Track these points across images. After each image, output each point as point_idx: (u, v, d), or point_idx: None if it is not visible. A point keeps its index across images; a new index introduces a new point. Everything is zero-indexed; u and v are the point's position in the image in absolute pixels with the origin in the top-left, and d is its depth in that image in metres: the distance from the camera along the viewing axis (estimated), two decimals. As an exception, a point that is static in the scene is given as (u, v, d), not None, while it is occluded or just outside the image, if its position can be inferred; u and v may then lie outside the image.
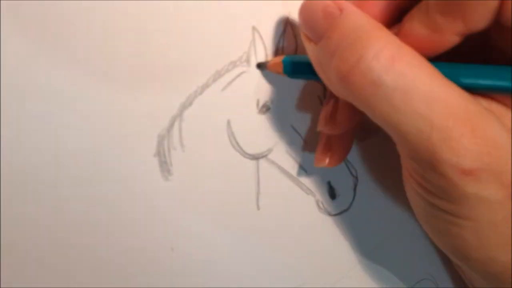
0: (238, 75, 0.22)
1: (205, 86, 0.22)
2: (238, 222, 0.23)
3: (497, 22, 0.18)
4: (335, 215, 0.26)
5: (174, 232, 0.22)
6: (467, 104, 0.17)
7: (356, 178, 0.26)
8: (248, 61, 0.22)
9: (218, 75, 0.22)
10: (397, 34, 0.19)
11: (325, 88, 0.24)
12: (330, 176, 0.25)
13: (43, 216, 0.20)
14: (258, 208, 0.24)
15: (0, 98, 0.18)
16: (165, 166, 0.22)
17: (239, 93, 0.22)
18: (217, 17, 0.21)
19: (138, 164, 0.21)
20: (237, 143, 0.23)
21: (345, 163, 0.26)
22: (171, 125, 0.22)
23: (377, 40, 0.17)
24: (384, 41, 0.17)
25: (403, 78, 0.17)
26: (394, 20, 0.20)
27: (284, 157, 0.24)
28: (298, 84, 0.24)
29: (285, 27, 0.23)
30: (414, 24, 0.19)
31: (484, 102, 0.20)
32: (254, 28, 0.22)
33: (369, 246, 0.27)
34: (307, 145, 0.24)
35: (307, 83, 0.24)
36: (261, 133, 0.23)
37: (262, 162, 0.24)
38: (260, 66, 0.23)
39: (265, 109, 0.23)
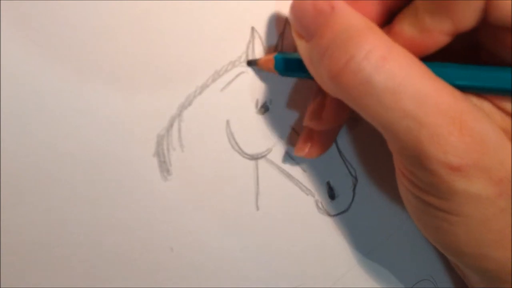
0: (237, 75, 0.22)
1: (205, 86, 0.22)
2: (237, 222, 0.24)
3: (485, 21, 0.18)
4: (334, 215, 0.26)
5: (174, 232, 0.22)
6: (457, 102, 0.18)
7: (356, 178, 0.26)
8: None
9: (217, 75, 0.22)
10: (387, 34, 0.19)
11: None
12: (329, 176, 0.25)
13: (42, 216, 0.20)
14: (258, 208, 0.24)
15: (0, 98, 0.19)
16: (164, 166, 0.22)
17: (238, 93, 0.23)
18: (216, 17, 0.22)
19: (137, 164, 0.21)
20: (236, 143, 0.23)
21: (345, 163, 0.26)
22: (171, 125, 0.22)
23: (368, 40, 0.17)
24: (375, 41, 0.17)
25: (393, 78, 0.17)
26: (385, 21, 0.21)
27: (284, 157, 0.24)
28: (297, 84, 0.24)
29: (285, 27, 0.23)
30: (404, 25, 0.19)
31: (476, 100, 0.20)
32: (253, 29, 0.22)
33: (368, 247, 0.27)
34: (306, 145, 0.25)
35: (306, 83, 0.24)
36: (260, 133, 0.23)
37: (261, 162, 0.24)
38: (251, 63, 0.23)
39: (264, 109, 0.23)
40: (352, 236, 0.26)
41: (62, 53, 0.19)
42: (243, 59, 0.22)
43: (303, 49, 0.20)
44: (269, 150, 0.24)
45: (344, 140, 0.25)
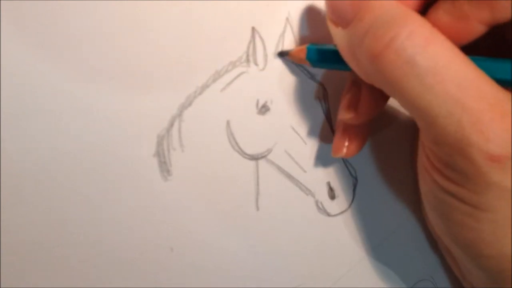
0: (238, 76, 0.22)
1: (205, 87, 0.22)
2: (238, 223, 0.23)
3: None
4: (334, 215, 0.26)
5: (174, 233, 0.22)
6: (498, 91, 0.17)
7: (356, 178, 0.26)
8: (247, 61, 0.22)
9: (217, 75, 0.22)
10: None
11: (325, 89, 0.24)
12: (329, 176, 0.25)
13: (43, 216, 0.20)
14: (258, 208, 0.24)
15: (0, 98, 0.18)
16: (164, 166, 0.22)
17: (238, 93, 0.23)
18: (216, 18, 0.21)
19: (138, 164, 0.21)
20: (237, 143, 0.23)
21: (345, 163, 0.26)
22: (171, 125, 0.22)
23: (411, 20, 0.17)
24: (418, 22, 0.17)
25: (436, 59, 0.17)
26: (420, 12, 0.20)
27: (284, 157, 0.24)
28: (297, 84, 0.24)
29: (285, 27, 0.23)
30: (440, 13, 0.19)
31: None
32: (253, 29, 0.22)
33: (368, 247, 0.27)
34: (307, 145, 0.24)
35: (306, 83, 0.24)
36: (261, 134, 0.23)
37: (262, 162, 0.24)
38: (282, 54, 0.23)
39: (265, 109, 0.23)
40: (352, 236, 0.26)
41: (62, 53, 0.19)
42: (244, 59, 0.22)
43: (340, 37, 0.20)
44: (269, 151, 0.24)
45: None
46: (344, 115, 0.23)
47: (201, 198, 0.23)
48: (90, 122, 0.20)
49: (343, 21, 0.19)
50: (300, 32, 0.23)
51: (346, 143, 0.23)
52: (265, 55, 0.23)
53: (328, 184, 0.25)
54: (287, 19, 0.23)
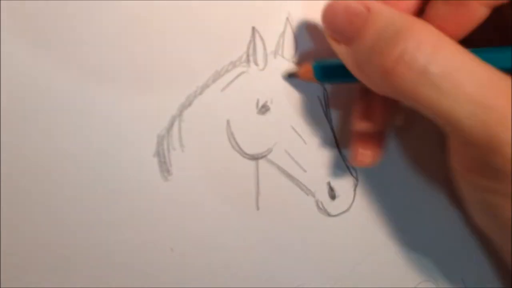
0: (238, 76, 0.22)
1: (205, 86, 0.22)
2: (238, 223, 0.23)
3: None
4: (335, 215, 0.26)
5: (174, 232, 0.22)
6: (509, 83, 0.17)
7: (356, 179, 0.26)
8: (248, 61, 0.22)
9: (217, 75, 0.22)
10: None
11: (325, 89, 0.24)
12: (330, 176, 0.25)
13: (43, 216, 0.20)
14: (258, 208, 0.24)
15: (0, 98, 0.19)
16: (164, 166, 0.22)
17: (238, 93, 0.23)
18: (217, 18, 0.21)
19: (138, 164, 0.21)
20: (237, 143, 0.23)
21: (345, 163, 0.25)
22: (171, 125, 0.22)
23: (416, 31, 0.17)
24: (424, 31, 0.17)
25: (449, 64, 0.17)
26: (419, 14, 0.20)
27: (284, 157, 0.24)
28: (298, 84, 0.24)
29: (285, 27, 0.23)
30: (438, 7, 0.19)
31: None
32: (254, 29, 0.22)
33: (369, 248, 0.27)
34: (307, 145, 0.24)
35: (306, 83, 0.24)
36: (261, 134, 0.23)
37: (262, 162, 0.24)
38: (291, 76, 0.23)
39: (265, 109, 0.23)
40: (353, 236, 0.26)
41: (62, 53, 0.19)
42: (244, 59, 0.22)
43: (344, 54, 0.19)
44: (269, 150, 0.24)
45: (345, 140, 0.25)
46: (359, 126, 0.23)
47: (201, 198, 0.23)
48: (90, 122, 0.20)
49: (344, 40, 0.19)
50: (300, 32, 0.23)
51: (366, 152, 0.23)
52: (265, 55, 0.23)
53: (329, 184, 0.25)
54: (287, 19, 0.23)
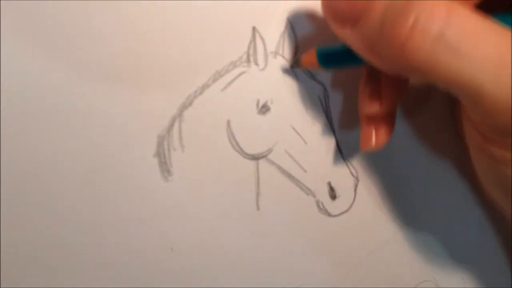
0: (238, 76, 0.22)
1: (205, 86, 0.22)
2: (238, 223, 0.23)
3: None
4: (335, 215, 0.26)
5: (174, 233, 0.22)
6: None
7: (357, 178, 0.26)
8: (248, 61, 0.22)
9: (218, 75, 0.22)
10: None
11: (325, 89, 0.24)
12: (330, 176, 0.25)
13: (43, 216, 0.20)
14: (258, 208, 0.24)
15: (0, 98, 0.19)
16: (165, 167, 0.22)
17: (239, 93, 0.22)
18: (217, 17, 0.21)
19: (138, 164, 0.21)
20: (237, 143, 0.23)
21: (346, 163, 0.25)
22: (171, 125, 0.22)
23: None
24: None
25: (465, 27, 0.17)
26: None
27: (284, 157, 0.24)
28: (298, 84, 0.24)
29: (286, 27, 0.23)
30: None
31: None
32: (254, 28, 0.22)
33: (369, 247, 0.27)
34: (307, 145, 0.24)
35: (306, 83, 0.24)
36: (261, 134, 0.23)
37: (262, 162, 0.23)
38: (294, 65, 0.23)
39: (265, 109, 0.23)
40: (353, 236, 0.26)
41: (62, 53, 0.19)
42: (244, 59, 0.22)
43: (351, 37, 0.19)
44: (269, 150, 0.24)
45: (345, 140, 0.25)
46: (368, 108, 0.22)
47: (201, 198, 0.23)
48: (90, 122, 0.20)
49: (350, 20, 0.19)
50: (301, 32, 0.23)
51: (374, 135, 0.23)
52: (266, 55, 0.23)
53: (329, 184, 0.25)
54: (287, 19, 0.23)
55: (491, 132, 0.19)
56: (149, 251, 0.22)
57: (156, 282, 0.22)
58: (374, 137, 0.23)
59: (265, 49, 0.23)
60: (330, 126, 0.25)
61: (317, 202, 0.25)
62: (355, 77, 0.24)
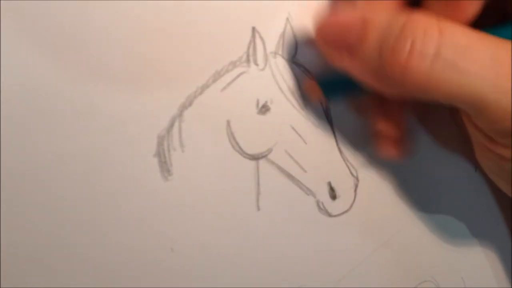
0: (238, 76, 0.22)
1: (205, 87, 0.22)
2: (238, 223, 0.23)
3: None
4: (335, 216, 0.26)
5: (174, 233, 0.22)
6: None
7: (357, 178, 0.26)
8: (248, 61, 0.22)
9: (218, 75, 0.22)
10: None
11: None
12: (330, 176, 0.25)
13: (43, 216, 0.20)
14: (258, 208, 0.24)
15: (0, 98, 0.19)
16: (165, 167, 0.22)
17: (239, 93, 0.22)
18: (217, 17, 0.21)
19: (138, 164, 0.21)
20: (237, 143, 0.23)
21: (346, 163, 0.25)
22: (171, 125, 0.22)
23: (417, 21, 0.17)
24: (423, 19, 0.18)
25: (458, 43, 0.17)
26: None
27: (284, 157, 0.24)
28: (298, 84, 0.24)
29: (285, 27, 0.23)
30: (432, 3, 0.19)
31: None
32: (254, 29, 0.22)
33: (369, 248, 0.27)
34: (307, 145, 0.24)
35: (306, 83, 0.24)
36: (261, 134, 0.23)
37: (262, 162, 0.23)
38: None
39: (265, 109, 0.23)
40: (353, 236, 0.26)
41: (62, 53, 0.19)
42: (244, 59, 0.22)
43: (350, 65, 0.19)
44: (269, 150, 0.24)
45: (345, 140, 0.25)
46: (383, 130, 0.23)
47: (201, 198, 0.23)
48: (90, 122, 0.20)
49: (347, 50, 0.19)
50: (301, 32, 0.23)
51: (395, 149, 0.23)
52: (265, 55, 0.23)
53: (329, 184, 0.25)
54: (287, 19, 0.23)
55: (496, 136, 0.19)
56: (149, 251, 0.22)
57: (156, 282, 0.22)
58: (396, 150, 0.23)
59: (264, 49, 0.23)
60: (330, 126, 0.25)
61: (317, 202, 0.25)
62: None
